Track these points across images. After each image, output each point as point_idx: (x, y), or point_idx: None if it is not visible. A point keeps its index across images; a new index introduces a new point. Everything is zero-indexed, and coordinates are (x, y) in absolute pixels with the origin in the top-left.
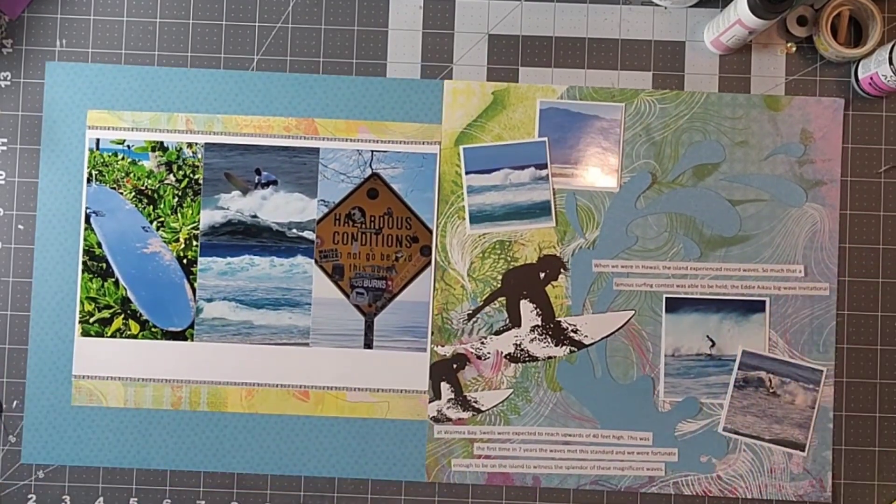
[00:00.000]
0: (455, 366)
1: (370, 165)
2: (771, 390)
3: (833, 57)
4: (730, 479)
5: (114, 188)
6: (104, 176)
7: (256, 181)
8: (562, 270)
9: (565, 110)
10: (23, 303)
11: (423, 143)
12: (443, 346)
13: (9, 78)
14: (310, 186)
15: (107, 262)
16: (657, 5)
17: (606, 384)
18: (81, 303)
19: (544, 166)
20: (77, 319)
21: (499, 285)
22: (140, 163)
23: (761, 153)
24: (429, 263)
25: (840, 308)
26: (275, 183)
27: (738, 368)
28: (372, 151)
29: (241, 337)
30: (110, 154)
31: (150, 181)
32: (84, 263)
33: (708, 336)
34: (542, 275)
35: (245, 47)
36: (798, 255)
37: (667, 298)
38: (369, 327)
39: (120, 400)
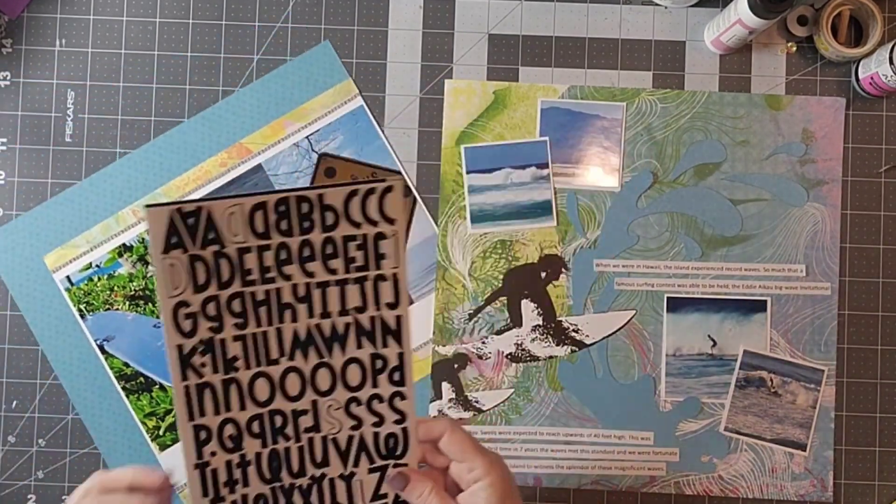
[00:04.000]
0: (456, 366)
1: (313, 150)
2: (772, 390)
3: (833, 57)
4: (731, 478)
5: (107, 309)
6: (93, 304)
7: None
8: (563, 270)
9: (566, 110)
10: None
11: (344, 104)
12: (444, 345)
13: (9, 78)
14: None
15: (142, 375)
16: (657, 5)
17: (608, 384)
18: (143, 423)
19: (545, 166)
20: (149, 439)
21: (500, 285)
22: (117, 273)
23: (762, 153)
24: (415, 200)
25: (841, 308)
26: None
27: (740, 368)
28: (306, 138)
29: None
30: (86, 282)
31: (135, 283)
32: (123, 388)
33: (709, 336)
34: (543, 274)
35: (245, 47)
36: (799, 254)
37: (668, 298)
38: None
39: None
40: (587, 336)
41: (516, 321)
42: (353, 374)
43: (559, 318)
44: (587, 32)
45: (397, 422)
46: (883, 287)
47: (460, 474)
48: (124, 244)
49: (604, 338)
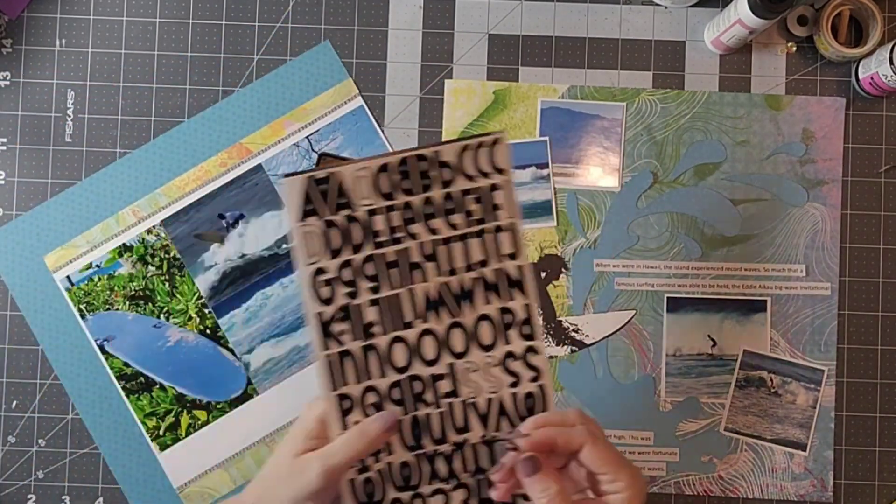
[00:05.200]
0: None
1: (313, 150)
2: (772, 390)
3: (833, 57)
4: (731, 478)
5: (108, 309)
6: (93, 304)
7: (225, 225)
8: (563, 270)
9: (566, 110)
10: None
11: (344, 104)
12: None
13: (9, 78)
14: (273, 201)
15: (142, 374)
16: (657, 5)
17: (607, 384)
18: (143, 423)
19: (545, 166)
20: (149, 439)
21: None
22: (117, 273)
23: (763, 153)
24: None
25: (841, 308)
26: (242, 217)
27: (740, 368)
28: (306, 138)
29: (297, 364)
30: (86, 282)
31: (135, 283)
32: (124, 388)
33: (709, 336)
34: (543, 274)
35: (245, 47)
36: (799, 254)
37: (668, 298)
38: None
39: (228, 483)
40: (587, 336)
41: None
42: (485, 332)
43: (559, 318)
44: (587, 32)
45: (533, 379)
46: (883, 287)
47: (592, 480)
48: (124, 244)
49: (604, 338)
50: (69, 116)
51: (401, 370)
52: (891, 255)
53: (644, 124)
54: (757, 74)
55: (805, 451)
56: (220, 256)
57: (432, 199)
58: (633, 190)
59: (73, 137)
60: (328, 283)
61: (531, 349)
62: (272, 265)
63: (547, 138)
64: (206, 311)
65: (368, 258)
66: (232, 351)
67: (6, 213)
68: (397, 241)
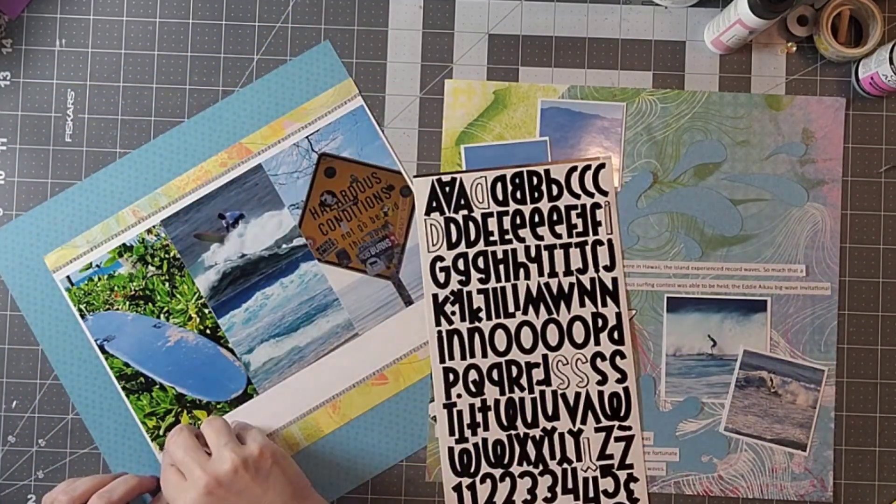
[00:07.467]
0: None
1: (313, 150)
2: (772, 390)
3: (833, 57)
4: (731, 478)
5: (108, 309)
6: (93, 304)
7: (225, 224)
8: None
9: (566, 110)
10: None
11: (344, 104)
12: None
13: (9, 78)
14: (273, 201)
15: (142, 374)
16: (657, 5)
17: None
18: (143, 423)
19: None
20: (149, 439)
21: None
22: (117, 273)
23: (763, 153)
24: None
25: (841, 308)
26: (242, 217)
27: (740, 368)
28: (306, 138)
29: (297, 364)
30: (86, 282)
31: (135, 283)
32: (124, 388)
33: (709, 336)
34: None
35: (245, 47)
36: (799, 254)
37: (668, 298)
38: (399, 286)
39: None
40: None
41: None
42: (578, 331)
43: None
44: (587, 32)
45: (619, 381)
46: (883, 287)
47: None
48: (124, 244)
49: None
50: (69, 116)
51: (501, 353)
52: (891, 255)
53: (644, 124)
54: (757, 74)
55: (805, 451)
56: (220, 256)
57: (540, 209)
58: (633, 190)
59: (73, 137)
60: (444, 269)
61: (619, 353)
62: (272, 265)
63: (547, 138)
64: (206, 311)
65: (480, 253)
66: (232, 351)
67: (6, 213)
68: (507, 241)
